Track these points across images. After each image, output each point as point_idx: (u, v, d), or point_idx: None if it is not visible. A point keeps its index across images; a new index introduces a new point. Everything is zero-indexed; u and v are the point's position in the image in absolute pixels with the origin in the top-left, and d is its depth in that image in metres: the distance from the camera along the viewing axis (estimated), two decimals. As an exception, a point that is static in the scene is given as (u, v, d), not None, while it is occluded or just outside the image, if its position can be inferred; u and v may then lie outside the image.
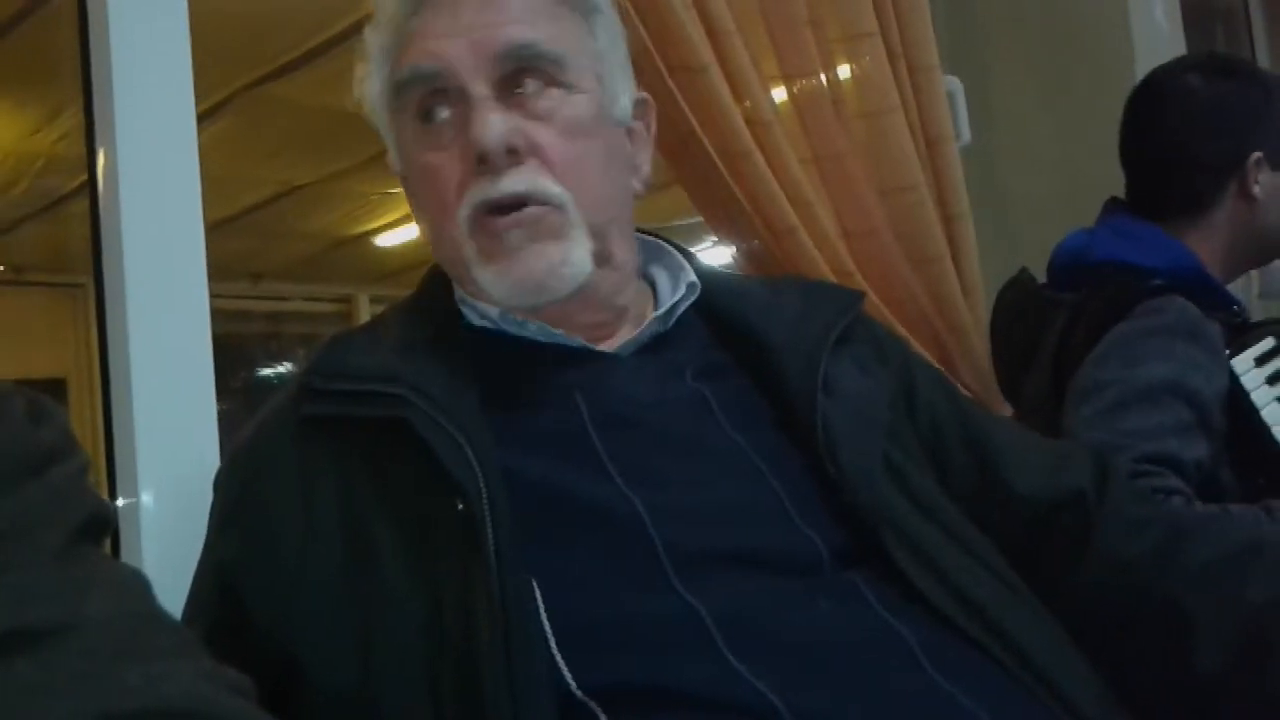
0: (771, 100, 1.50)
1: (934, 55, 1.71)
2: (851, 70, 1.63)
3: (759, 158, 1.43)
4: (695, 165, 1.44)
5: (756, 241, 1.50)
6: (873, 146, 1.65)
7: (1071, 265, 1.49)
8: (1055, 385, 1.38)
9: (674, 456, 0.78)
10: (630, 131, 0.89)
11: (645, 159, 0.90)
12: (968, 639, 0.73)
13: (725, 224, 1.52)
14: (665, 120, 1.38)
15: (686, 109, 1.38)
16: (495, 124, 0.77)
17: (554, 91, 0.81)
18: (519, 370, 0.81)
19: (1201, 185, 1.47)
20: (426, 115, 0.81)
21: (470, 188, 0.79)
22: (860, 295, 0.95)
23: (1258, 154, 1.46)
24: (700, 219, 1.54)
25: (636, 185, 0.89)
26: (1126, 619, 0.82)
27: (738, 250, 1.54)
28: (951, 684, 0.68)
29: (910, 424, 0.90)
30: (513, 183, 0.78)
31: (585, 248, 0.80)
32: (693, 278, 0.90)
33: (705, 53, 1.38)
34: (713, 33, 1.40)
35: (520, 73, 0.80)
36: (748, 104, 1.44)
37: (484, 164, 0.78)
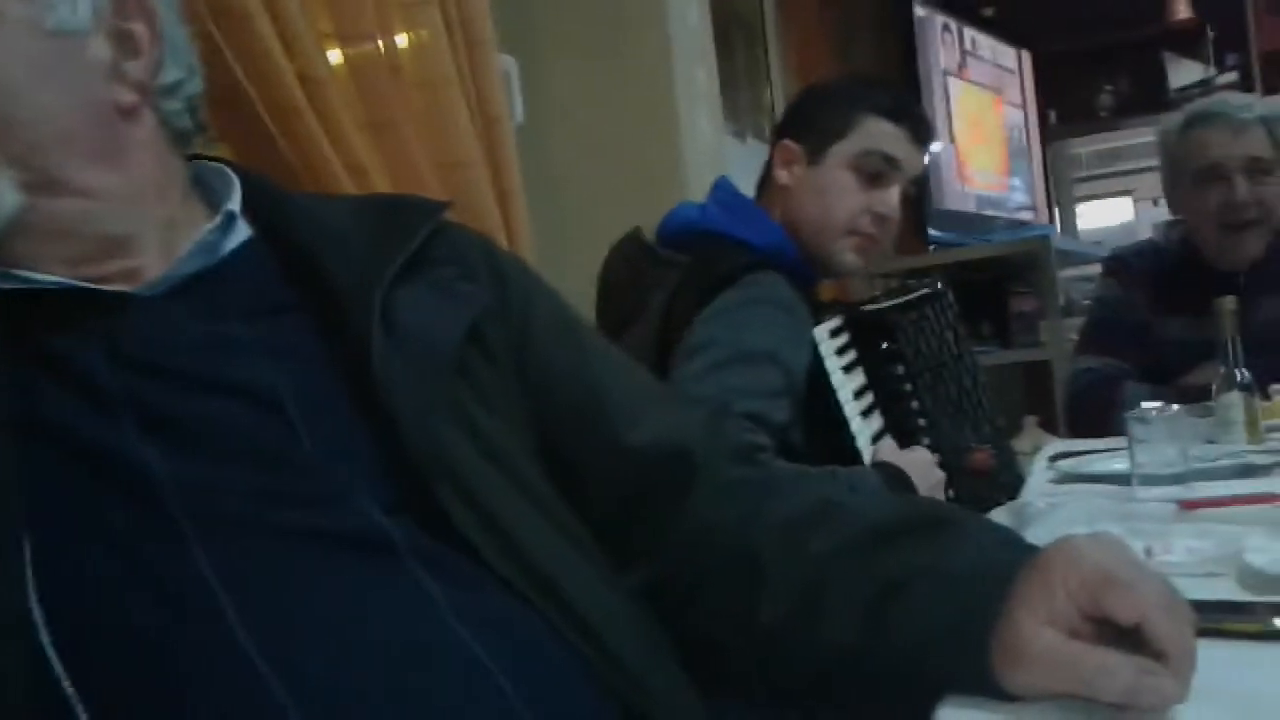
0: (325, 58, 1.44)
1: (490, 31, 1.73)
2: (409, 38, 1.60)
3: (311, 117, 1.37)
4: (241, 121, 1.34)
5: (308, 207, 1.43)
6: (430, 118, 1.63)
7: (680, 232, 1.56)
8: (660, 340, 1.44)
9: (193, 401, 0.73)
10: (118, 35, 0.79)
11: (140, 66, 0.80)
12: (519, 597, 0.73)
13: (274, 187, 1.43)
14: (208, 68, 1.27)
15: (231, 58, 1.29)
16: None
17: None
18: (46, 318, 0.75)
19: (768, 161, 1.62)
20: None
21: None
22: (442, 206, 0.88)
23: (789, 142, 1.58)
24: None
25: (124, 96, 0.79)
26: (708, 578, 0.82)
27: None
28: (479, 643, 0.68)
29: (512, 355, 0.85)
30: None
31: (2, 179, 0.73)
32: (232, 206, 0.83)
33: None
34: (260, -21, 1.32)
35: None
36: (300, 59, 1.37)
37: None
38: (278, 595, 0.66)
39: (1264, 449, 1.50)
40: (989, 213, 4.21)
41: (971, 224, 4.04)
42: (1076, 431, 2.15)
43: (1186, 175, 2.10)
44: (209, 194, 0.86)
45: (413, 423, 0.74)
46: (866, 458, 1.46)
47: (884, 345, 1.54)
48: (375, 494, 0.72)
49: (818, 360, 1.45)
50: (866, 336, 1.53)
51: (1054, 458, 1.69)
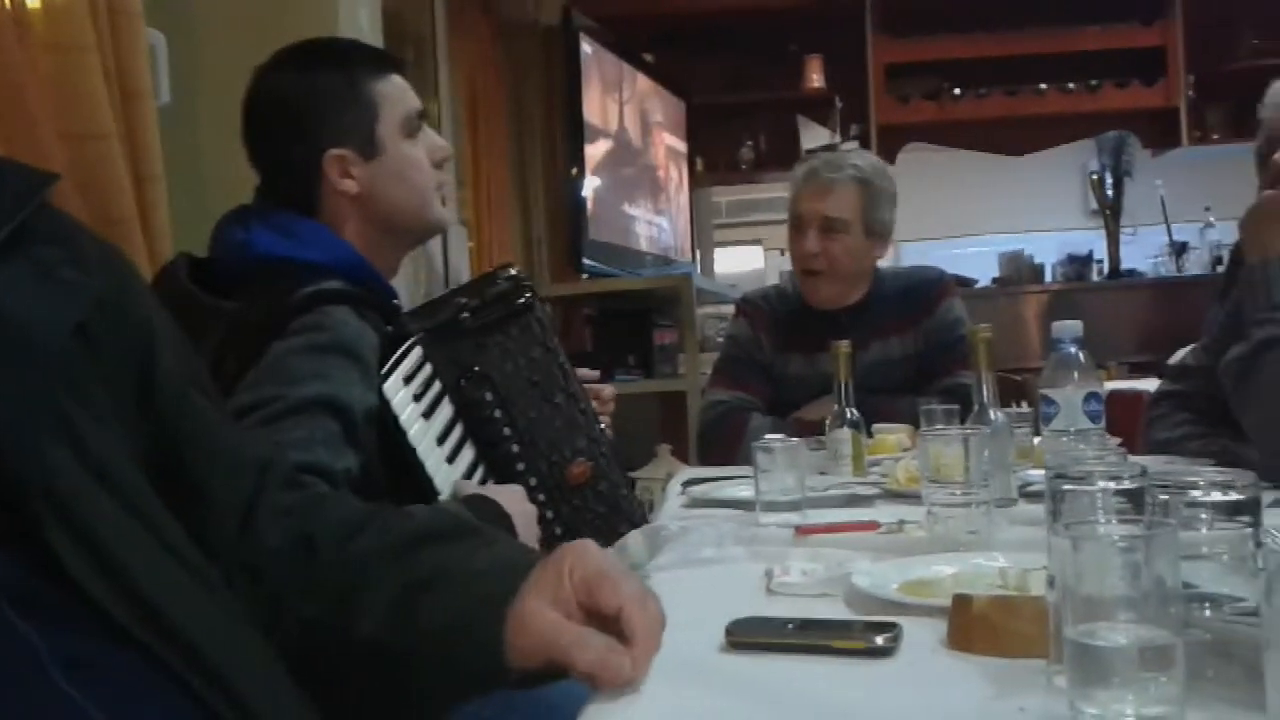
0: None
1: (137, 2, 1.60)
2: (41, -6, 1.45)
3: (-88, 67, 1.20)
4: None
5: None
6: (60, 85, 1.48)
7: (233, 260, 1.41)
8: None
9: None
10: None
11: None
12: (135, 640, 0.64)
13: None
14: None
15: None
16: None
17: None
18: None
19: (300, 187, 1.46)
20: None
21: None
22: (50, 178, 0.77)
23: (336, 151, 1.44)
24: None
25: None
26: (283, 592, 0.81)
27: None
28: (88, 698, 0.60)
29: (132, 364, 0.77)
30: None
31: None
32: None
33: None
34: None
35: None
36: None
37: None
38: None
39: (868, 481, 1.66)
40: (639, 248, 4.40)
41: (623, 257, 4.20)
42: (706, 459, 2.31)
43: (790, 222, 2.37)
44: None
45: (10, 439, 0.63)
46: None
47: (472, 371, 1.48)
48: None
49: (392, 417, 1.37)
50: (450, 365, 1.47)
51: (686, 484, 1.79)
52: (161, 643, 0.65)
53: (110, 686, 0.61)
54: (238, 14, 1.99)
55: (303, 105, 1.46)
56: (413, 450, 1.39)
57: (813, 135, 5.23)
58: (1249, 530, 0.68)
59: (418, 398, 1.42)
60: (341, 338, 1.33)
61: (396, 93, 1.50)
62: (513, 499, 1.40)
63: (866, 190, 2.29)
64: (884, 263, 2.46)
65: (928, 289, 2.35)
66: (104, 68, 1.53)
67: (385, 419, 1.36)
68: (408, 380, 1.41)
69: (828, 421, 1.79)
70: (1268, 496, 0.76)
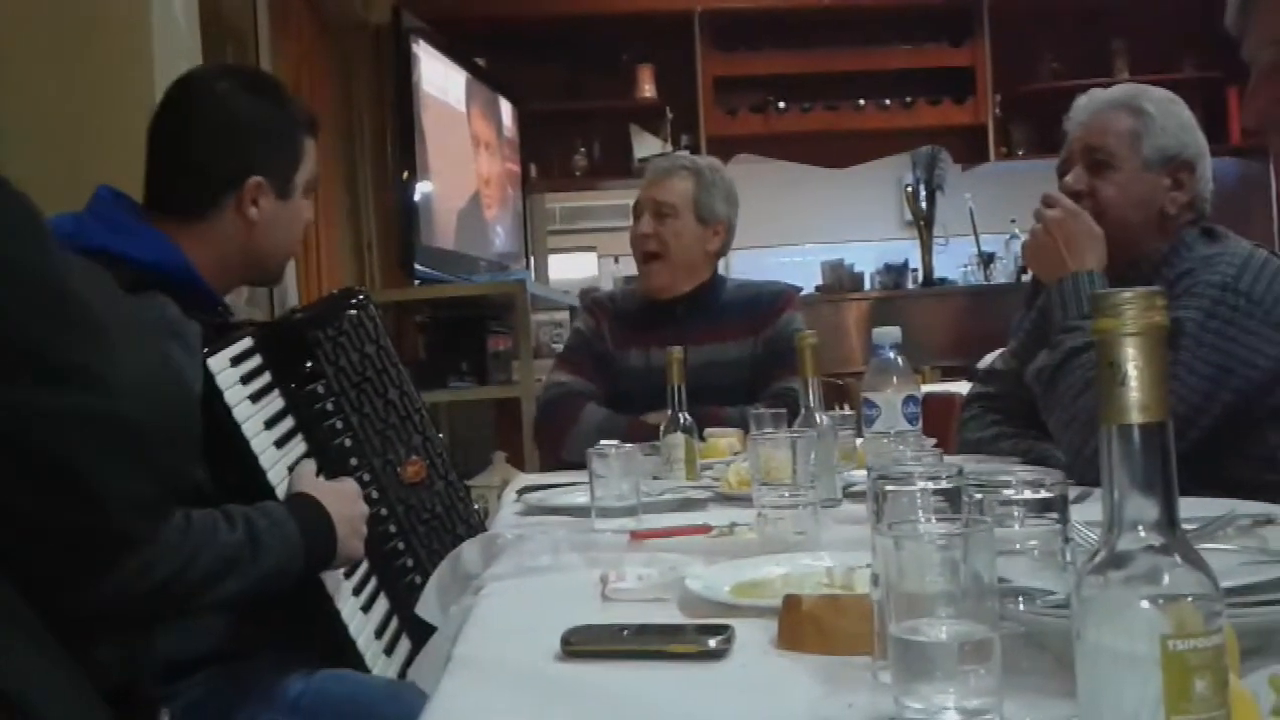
0: None
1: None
2: None
3: None
4: None
5: None
6: None
7: None
8: None
9: None
10: None
11: None
12: None
13: None
14: None
15: None
16: None
17: None
18: None
19: (203, 192, 1.46)
20: None
21: None
22: None
23: (259, 178, 1.46)
24: None
25: None
26: None
27: None
28: None
29: None
30: None
31: None
32: None
33: None
34: None
35: None
36: None
37: None
38: None
39: (700, 485, 1.69)
40: (472, 253, 4.35)
41: (456, 263, 4.14)
42: (539, 436, 2.44)
43: (632, 214, 2.52)
44: None
45: None
46: (281, 491, 1.38)
47: (303, 365, 1.47)
48: None
49: (216, 392, 1.35)
50: (281, 357, 1.46)
51: (521, 491, 1.78)
52: None
53: None
54: (43, 7, 1.87)
55: (253, 127, 1.49)
56: (237, 427, 1.36)
57: (645, 144, 5.28)
58: (1058, 526, 0.72)
59: (245, 380, 1.40)
60: (163, 319, 1.30)
61: (313, 155, 1.55)
62: (341, 500, 1.39)
63: (698, 180, 2.44)
64: (727, 272, 2.55)
65: (772, 300, 2.46)
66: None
67: (210, 399, 1.33)
68: (235, 362, 1.39)
69: (662, 427, 1.81)
70: (1072, 493, 0.80)
